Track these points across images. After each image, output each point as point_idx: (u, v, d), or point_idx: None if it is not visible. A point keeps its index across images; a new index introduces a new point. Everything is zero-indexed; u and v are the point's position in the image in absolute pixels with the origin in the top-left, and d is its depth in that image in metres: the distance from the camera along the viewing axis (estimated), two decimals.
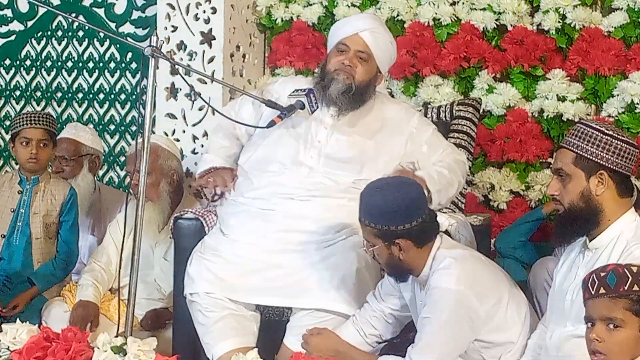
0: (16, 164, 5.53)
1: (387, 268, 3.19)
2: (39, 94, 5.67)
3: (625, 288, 2.45)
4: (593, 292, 2.50)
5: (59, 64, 5.61)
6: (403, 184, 3.18)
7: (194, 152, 4.85)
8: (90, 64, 5.53)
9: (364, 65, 3.65)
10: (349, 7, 4.83)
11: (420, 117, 3.82)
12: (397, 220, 3.07)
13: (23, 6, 5.66)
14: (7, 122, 5.73)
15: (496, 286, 3.13)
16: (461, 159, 3.75)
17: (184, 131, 4.87)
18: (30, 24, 5.68)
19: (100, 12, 5.45)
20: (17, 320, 3.30)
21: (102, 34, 5.44)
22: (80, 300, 4.12)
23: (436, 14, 4.64)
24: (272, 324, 3.54)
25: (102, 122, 5.52)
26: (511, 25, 4.53)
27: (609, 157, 2.90)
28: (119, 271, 3.61)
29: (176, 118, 4.89)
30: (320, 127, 3.67)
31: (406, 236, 3.08)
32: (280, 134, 3.67)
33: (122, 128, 5.48)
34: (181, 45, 4.85)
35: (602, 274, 2.49)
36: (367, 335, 3.32)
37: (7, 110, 5.76)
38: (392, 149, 3.66)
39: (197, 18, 4.83)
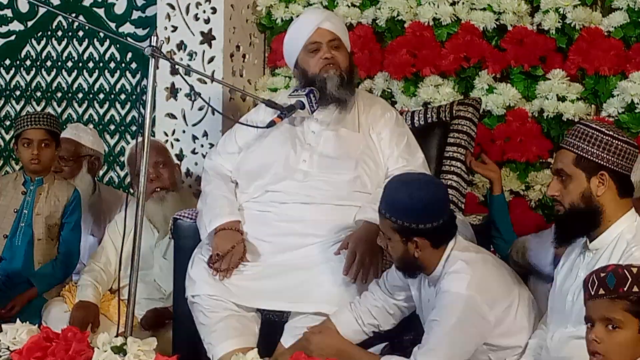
0: (16, 163, 5.55)
1: (398, 263, 3.17)
2: (39, 94, 5.67)
3: (625, 289, 2.46)
4: (592, 293, 2.50)
5: (59, 64, 5.61)
6: (430, 183, 3.17)
7: (193, 152, 4.85)
8: (90, 64, 5.53)
9: (340, 51, 3.66)
10: (349, 7, 4.83)
11: (396, 114, 3.83)
12: (419, 218, 3.05)
13: (23, 6, 5.66)
14: (7, 122, 5.74)
15: (507, 291, 3.12)
16: None
17: (184, 131, 4.87)
18: (30, 24, 5.68)
19: (100, 12, 5.45)
20: (17, 320, 3.30)
21: (102, 34, 5.44)
22: (79, 301, 4.12)
23: (436, 14, 4.63)
24: (272, 324, 3.54)
25: (102, 122, 5.52)
26: (511, 25, 4.53)
27: (610, 158, 2.90)
28: (119, 271, 3.62)
29: (176, 118, 4.89)
30: (307, 130, 3.66)
31: (425, 235, 3.06)
32: (271, 142, 3.66)
33: (122, 128, 5.48)
34: (181, 45, 4.85)
35: (602, 275, 2.50)
36: (365, 325, 3.30)
37: (7, 110, 5.76)
38: (378, 141, 3.67)
39: (197, 18, 4.83)
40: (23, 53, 5.70)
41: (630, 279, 2.46)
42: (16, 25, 5.70)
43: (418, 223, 3.05)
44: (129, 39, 5.01)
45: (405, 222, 3.06)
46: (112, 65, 5.48)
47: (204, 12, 4.81)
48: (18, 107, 5.72)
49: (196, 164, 4.81)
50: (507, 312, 3.08)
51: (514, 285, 3.17)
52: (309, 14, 3.94)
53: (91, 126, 5.41)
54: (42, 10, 5.60)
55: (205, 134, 4.84)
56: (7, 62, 5.73)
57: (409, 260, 3.11)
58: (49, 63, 5.63)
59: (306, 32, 3.66)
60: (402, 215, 3.06)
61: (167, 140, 4.83)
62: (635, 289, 2.45)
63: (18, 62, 5.71)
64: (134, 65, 5.42)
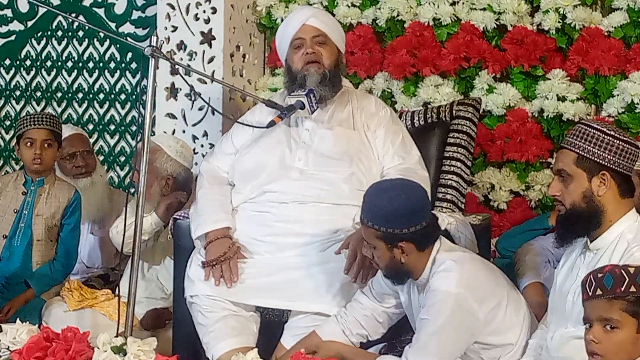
0: (16, 163, 5.56)
1: (386, 271, 3.16)
2: (39, 94, 5.68)
3: (622, 289, 2.46)
4: (590, 293, 2.50)
5: (59, 64, 5.61)
6: (408, 187, 3.16)
7: (194, 152, 4.84)
8: (90, 64, 5.54)
9: (325, 48, 3.66)
10: (349, 7, 4.83)
11: (391, 111, 3.83)
12: (401, 223, 3.04)
13: (23, 6, 5.66)
14: (7, 122, 5.75)
15: (495, 289, 3.11)
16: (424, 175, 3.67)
17: (184, 131, 4.87)
18: (30, 24, 5.68)
19: (100, 12, 5.45)
20: (17, 320, 3.30)
21: (102, 34, 5.45)
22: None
23: (436, 14, 4.63)
24: (271, 324, 3.54)
25: (102, 122, 5.52)
26: (511, 25, 4.53)
27: (611, 158, 2.90)
28: (121, 273, 3.61)
29: (176, 118, 4.89)
30: (301, 128, 3.66)
31: (409, 239, 3.05)
32: (266, 142, 3.66)
33: (122, 128, 5.49)
34: (181, 45, 4.85)
35: (600, 275, 2.50)
36: (353, 334, 3.29)
37: (7, 110, 5.76)
38: (373, 139, 3.67)
39: (197, 18, 4.83)
40: (23, 53, 5.70)
41: (627, 279, 2.47)
42: (16, 25, 5.71)
43: (401, 228, 3.04)
44: (129, 39, 5.01)
45: (388, 229, 3.05)
46: (112, 65, 5.48)
47: (204, 12, 4.81)
48: (18, 107, 5.72)
49: (196, 163, 4.80)
50: (496, 310, 3.07)
51: (501, 284, 3.16)
52: (297, 11, 3.93)
53: (91, 126, 5.43)
54: (42, 10, 5.61)
55: (205, 134, 4.84)
56: (7, 62, 5.73)
57: (396, 267, 3.11)
58: (49, 63, 5.64)
59: (292, 29, 3.68)
60: (384, 222, 3.05)
61: None
62: (633, 289, 2.46)
63: (18, 62, 5.71)
64: (134, 65, 5.42)
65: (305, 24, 3.66)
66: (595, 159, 2.90)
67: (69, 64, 5.59)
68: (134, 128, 5.41)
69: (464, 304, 3.00)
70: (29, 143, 4.30)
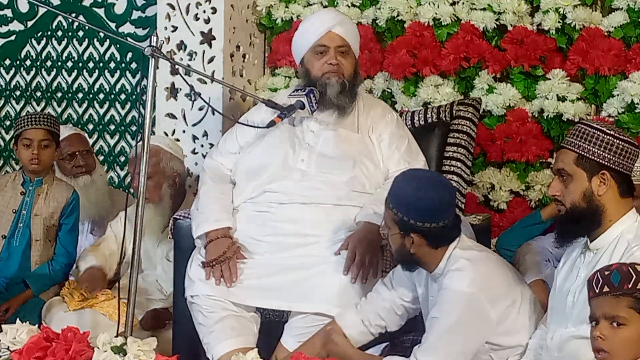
0: (16, 163, 5.55)
1: (395, 254, 3.19)
2: (39, 94, 5.68)
3: (629, 286, 2.47)
4: (597, 291, 2.51)
5: (59, 64, 5.61)
6: (440, 183, 3.16)
7: (194, 152, 4.84)
8: (90, 64, 5.53)
9: (346, 58, 3.66)
10: (348, 7, 4.83)
11: (397, 116, 3.83)
12: (419, 216, 3.05)
13: (23, 6, 5.66)
14: (7, 122, 5.75)
15: (509, 290, 3.10)
16: None
17: (184, 131, 4.87)
18: (30, 24, 5.68)
19: (100, 12, 5.45)
20: (17, 320, 3.30)
21: (102, 34, 5.45)
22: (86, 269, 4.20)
23: (436, 14, 4.63)
24: (272, 325, 3.54)
25: (102, 122, 5.52)
26: (511, 25, 4.53)
27: (611, 157, 2.90)
28: (119, 268, 3.61)
29: (176, 118, 4.89)
30: (307, 130, 3.66)
31: (422, 234, 3.07)
32: (270, 142, 3.66)
33: (122, 128, 5.49)
34: (181, 45, 4.85)
35: (607, 273, 2.51)
36: (372, 325, 3.29)
37: (7, 110, 5.76)
38: (378, 143, 3.67)
39: (197, 18, 4.83)
40: (23, 53, 5.70)
41: (634, 277, 2.48)
42: (16, 25, 5.70)
43: (417, 220, 3.05)
44: (129, 39, 5.01)
45: (404, 217, 3.07)
46: (112, 65, 5.48)
47: (204, 12, 4.81)
48: (18, 107, 5.72)
49: (196, 164, 4.81)
50: (509, 311, 3.07)
51: (516, 284, 3.16)
52: (323, 14, 3.91)
53: (91, 126, 5.43)
54: (42, 10, 5.60)
55: (205, 134, 4.84)
56: (7, 62, 5.73)
57: (405, 254, 3.12)
58: (49, 63, 5.64)
59: (316, 33, 3.66)
60: (403, 210, 3.07)
61: None
62: None
63: (18, 62, 5.71)
64: (134, 65, 5.42)
65: (330, 31, 3.65)
66: (595, 159, 2.90)
67: (69, 64, 5.59)
68: (134, 128, 5.41)
69: (475, 304, 3.00)
70: (26, 143, 4.31)
